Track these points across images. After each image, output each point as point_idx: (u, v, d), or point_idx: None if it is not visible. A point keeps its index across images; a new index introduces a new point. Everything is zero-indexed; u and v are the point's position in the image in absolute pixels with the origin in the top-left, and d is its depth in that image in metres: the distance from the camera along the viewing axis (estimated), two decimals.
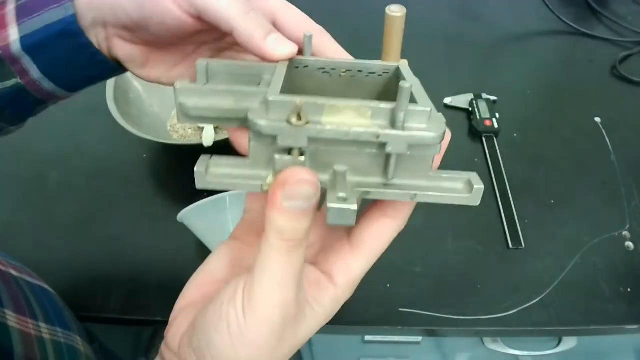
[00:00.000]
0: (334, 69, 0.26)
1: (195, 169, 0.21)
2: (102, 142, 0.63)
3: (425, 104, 0.20)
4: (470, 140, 0.63)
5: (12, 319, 0.31)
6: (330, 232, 0.26)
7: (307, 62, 0.26)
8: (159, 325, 0.47)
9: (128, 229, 0.54)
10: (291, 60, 0.25)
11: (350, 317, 0.47)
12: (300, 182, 0.19)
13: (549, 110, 0.67)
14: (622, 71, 0.71)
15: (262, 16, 0.25)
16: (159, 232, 0.53)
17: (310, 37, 0.26)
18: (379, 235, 0.24)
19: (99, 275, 0.50)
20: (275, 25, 0.26)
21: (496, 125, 0.62)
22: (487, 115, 0.63)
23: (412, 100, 0.21)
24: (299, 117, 0.20)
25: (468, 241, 0.52)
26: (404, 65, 0.25)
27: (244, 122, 0.21)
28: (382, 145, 0.20)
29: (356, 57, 0.28)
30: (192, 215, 0.47)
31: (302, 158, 0.21)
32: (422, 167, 0.21)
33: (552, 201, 0.56)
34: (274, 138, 0.20)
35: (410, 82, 0.19)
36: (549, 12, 0.78)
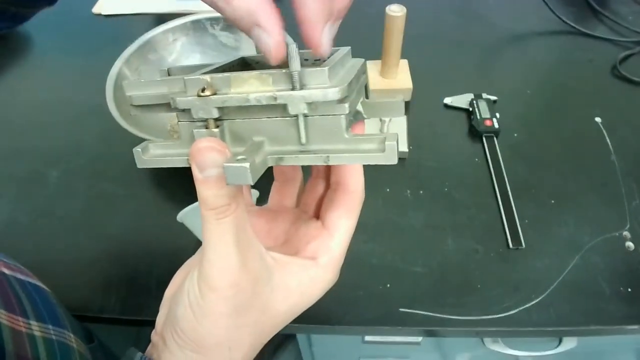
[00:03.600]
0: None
1: (134, 149, 0.24)
2: (102, 142, 0.63)
3: (327, 64, 0.21)
4: (470, 140, 0.63)
5: (2, 316, 0.31)
6: (300, 224, 0.28)
7: (258, 59, 0.27)
8: None
9: (128, 229, 0.54)
10: (243, 58, 0.27)
11: (350, 317, 0.47)
12: (201, 150, 0.20)
13: (550, 110, 0.67)
14: (622, 71, 0.71)
15: None
16: (158, 232, 0.53)
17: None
18: (349, 214, 0.26)
19: (98, 275, 0.50)
20: None
21: (496, 125, 0.62)
22: (487, 115, 0.63)
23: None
24: (210, 90, 0.21)
25: (468, 241, 0.52)
26: (345, 48, 0.25)
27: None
28: (286, 108, 0.21)
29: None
30: (192, 215, 0.47)
31: (216, 130, 0.22)
32: (335, 130, 0.21)
33: (552, 201, 0.56)
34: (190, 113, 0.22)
35: (294, 42, 0.19)
36: (549, 12, 0.78)
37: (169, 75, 0.27)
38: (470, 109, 0.65)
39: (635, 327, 0.46)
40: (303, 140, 0.22)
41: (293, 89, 0.20)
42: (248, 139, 0.23)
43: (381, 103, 0.26)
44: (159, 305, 0.47)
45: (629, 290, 0.48)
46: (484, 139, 0.62)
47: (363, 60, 0.26)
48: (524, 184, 0.57)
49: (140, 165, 0.24)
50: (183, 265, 0.28)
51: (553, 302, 0.47)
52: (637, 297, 0.47)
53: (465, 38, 0.79)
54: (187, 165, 0.23)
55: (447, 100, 0.67)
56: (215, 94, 0.21)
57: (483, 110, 0.64)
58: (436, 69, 0.72)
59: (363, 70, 0.25)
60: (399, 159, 0.59)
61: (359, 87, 0.24)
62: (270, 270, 0.24)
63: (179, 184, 0.58)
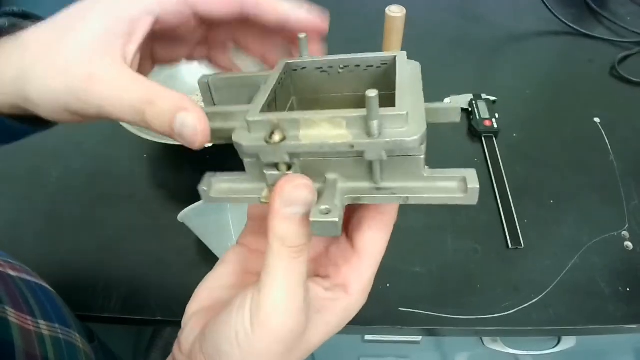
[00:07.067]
0: (331, 67, 0.26)
1: (198, 187, 0.23)
2: (102, 142, 0.63)
3: (404, 104, 0.20)
4: (469, 141, 0.63)
5: (12, 315, 0.31)
6: (329, 243, 0.26)
7: (304, 64, 0.26)
8: (159, 325, 0.47)
9: (128, 229, 0.54)
10: (288, 64, 0.26)
11: None
12: (296, 187, 0.20)
13: (549, 110, 0.67)
14: (621, 71, 0.71)
15: None
16: (159, 232, 0.54)
17: (305, 38, 0.26)
18: (380, 236, 0.24)
19: (99, 275, 0.50)
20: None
21: (496, 126, 0.62)
22: (487, 116, 0.64)
23: (401, 94, 0.21)
24: (280, 134, 0.20)
25: (468, 241, 0.52)
26: (401, 55, 0.25)
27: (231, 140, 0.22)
28: (362, 153, 0.20)
29: None
30: (192, 215, 0.47)
31: (290, 172, 0.21)
32: (413, 168, 0.21)
33: (552, 201, 0.56)
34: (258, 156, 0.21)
35: (376, 91, 0.18)
36: (549, 12, 0.78)
37: (209, 87, 0.26)
38: (470, 109, 0.65)
39: (634, 326, 0.46)
40: (379, 182, 0.21)
41: (370, 136, 0.19)
42: (319, 174, 0.22)
43: (438, 109, 0.24)
44: (159, 305, 0.48)
45: (628, 289, 0.48)
46: (483, 139, 0.62)
47: (419, 65, 0.25)
48: (523, 184, 0.57)
49: (207, 201, 0.24)
50: (206, 279, 0.27)
51: (552, 301, 0.47)
52: (635, 297, 0.47)
53: (464, 38, 0.79)
54: (259, 203, 0.22)
55: (447, 101, 0.67)
56: (284, 137, 0.20)
57: (482, 111, 0.64)
58: (436, 70, 0.72)
59: (421, 77, 0.24)
60: None
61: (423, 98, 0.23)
62: (312, 307, 0.23)
63: (179, 184, 0.59)
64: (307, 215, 0.20)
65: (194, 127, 0.21)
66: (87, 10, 0.24)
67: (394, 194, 0.21)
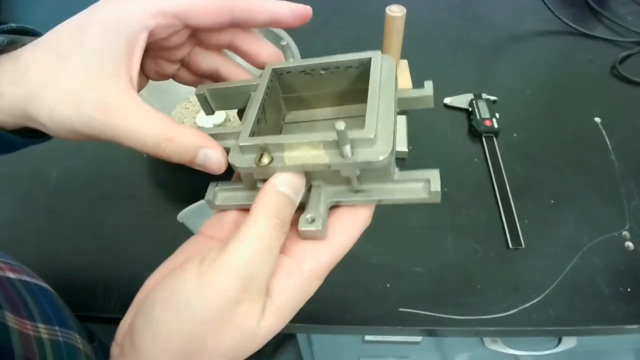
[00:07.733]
0: (313, 70, 0.28)
1: (205, 198, 0.27)
2: (102, 142, 0.63)
3: (372, 126, 0.22)
4: (470, 140, 0.63)
5: (11, 319, 0.31)
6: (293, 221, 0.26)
7: (289, 68, 0.29)
8: None
9: (128, 229, 0.54)
10: (275, 69, 0.29)
11: (350, 316, 0.47)
12: (290, 174, 0.23)
13: (549, 110, 0.67)
14: (622, 71, 0.71)
15: None
16: (159, 232, 0.53)
17: (287, 45, 0.28)
18: (352, 227, 0.25)
19: (99, 275, 0.50)
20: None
21: (496, 126, 0.62)
22: (487, 115, 0.64)
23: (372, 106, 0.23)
24: (267, 157, 0.23)
25: (468, 241, 0.52)
26: (376, 56, 0.27)
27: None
28: (338, 170, 0.23)
29: None
30: (192, 215, 0.47)
31: None
32: (384, 175, 0.24)
33: (552, 201, 0.56)
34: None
35: (344, 124, 0.21)
36: (549, 12, 0.78)
37: (206, 97, 0.29)
38: (470, 109, 0.65)
39: (635, 326, 0.46)
40: (356, 187, 0.24)
41: (344, 157, 0.22)
42: (307, 181, 0.25)
43: (411, 98, 0.27)
44: None
45: (628, 290, 0.48)
46: (483, 139, 0.62)
47: (392, 60, 0.27)
48: (523, 184, 0.57)
49: (213, 209, 0.28)
50: (156, 272, 0.27)
51: (552, 302, 0.47)
52: (636, 297, 0.47)
53: (465, 38, 0.79)
54: None
55: (447, 101, 0.67)
56: (272, 159, 0.23)
57: (483, 111, 0.64)
58: (436, 69, 0.72)
59: (394, 74, 0.26)
60: (399, 159, 0.60)
61: (396, 98, 0.25)
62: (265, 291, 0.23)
63: (179, 184, 0.59)
64: (292, 201, 0.23)
65: (218, 162, 0.24)
66: (86, 25, 0.24)
67: (370, 196, 0.24)
